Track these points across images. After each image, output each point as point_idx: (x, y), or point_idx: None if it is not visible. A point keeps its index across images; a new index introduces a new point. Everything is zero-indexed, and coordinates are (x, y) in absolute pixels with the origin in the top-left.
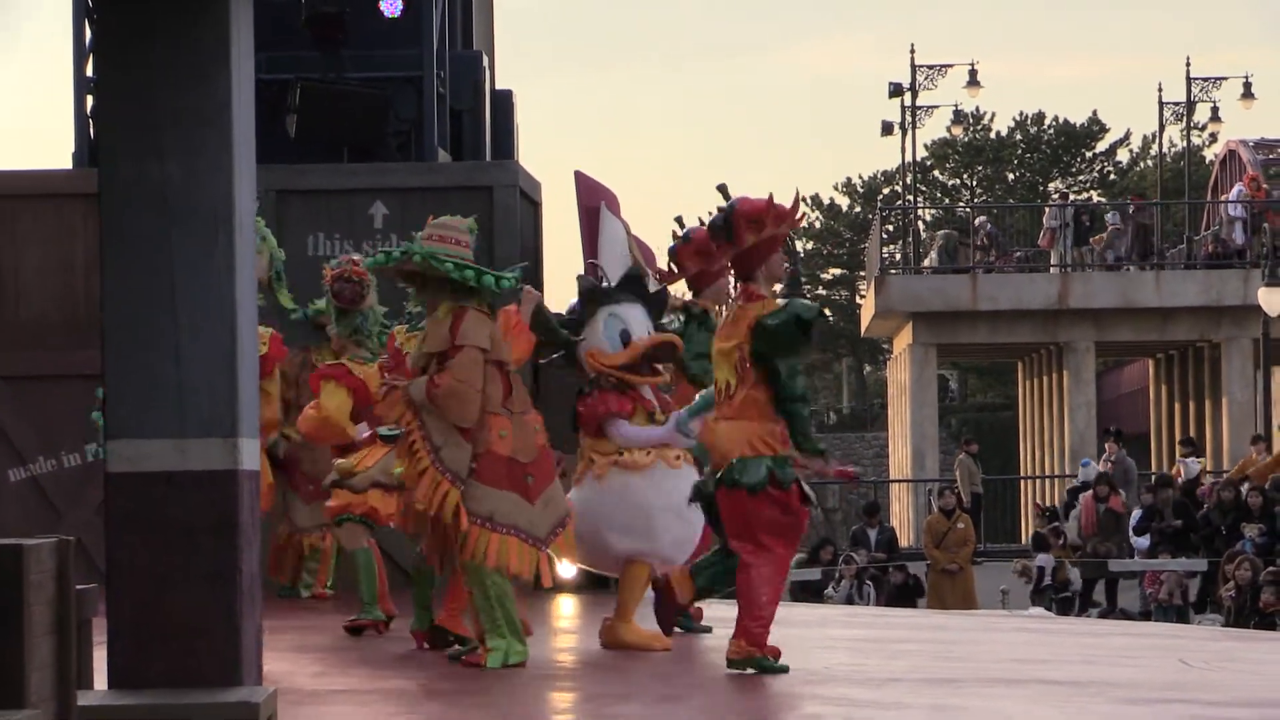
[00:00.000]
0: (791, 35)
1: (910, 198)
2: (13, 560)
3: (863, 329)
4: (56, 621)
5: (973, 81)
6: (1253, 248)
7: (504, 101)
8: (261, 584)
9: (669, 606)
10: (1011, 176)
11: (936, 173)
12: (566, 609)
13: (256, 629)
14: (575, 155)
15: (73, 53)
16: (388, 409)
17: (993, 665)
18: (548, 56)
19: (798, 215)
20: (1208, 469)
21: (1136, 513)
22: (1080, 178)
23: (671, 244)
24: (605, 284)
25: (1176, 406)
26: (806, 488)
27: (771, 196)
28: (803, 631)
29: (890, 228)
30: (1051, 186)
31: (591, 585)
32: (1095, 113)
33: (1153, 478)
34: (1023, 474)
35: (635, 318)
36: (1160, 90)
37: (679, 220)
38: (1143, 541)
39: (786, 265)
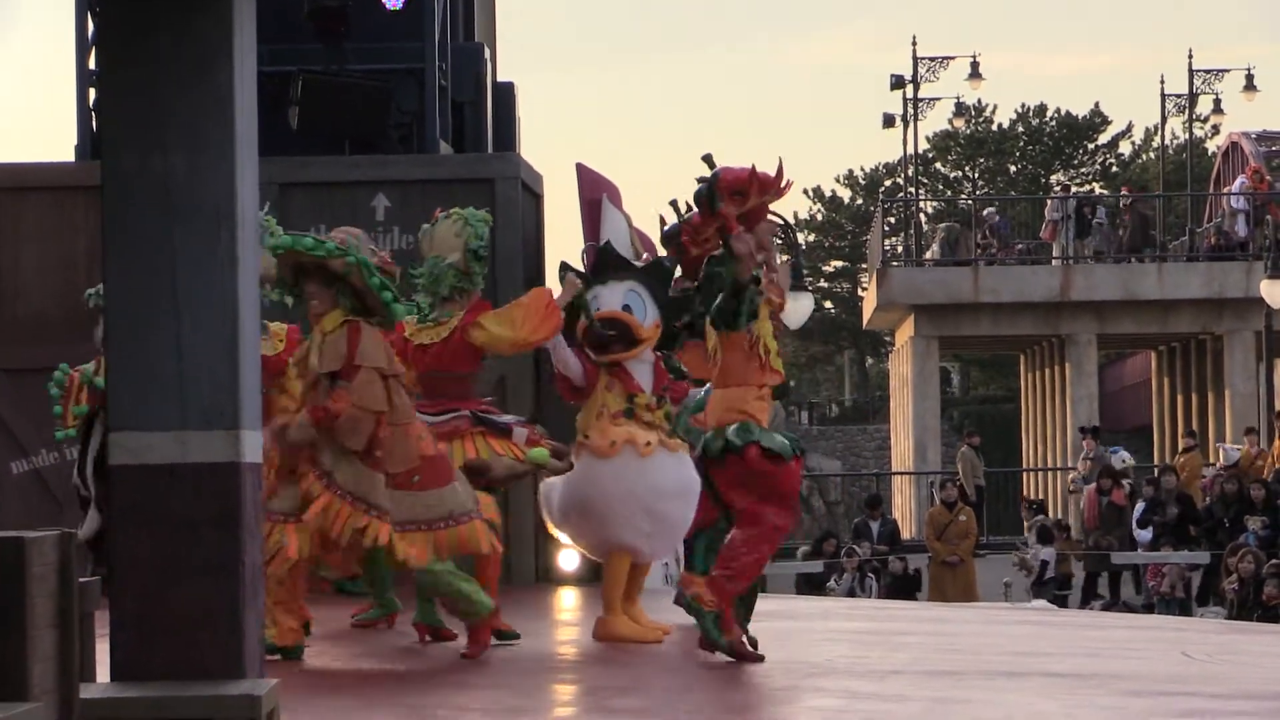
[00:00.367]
0: (793, 28)
1: (912, 190)
2: (15, 553)
3: (864, 321)
4: (59, 614)
5: (974, 74)
6: (1255, 240)
7: (506, 94)
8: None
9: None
10: (1013, 169)
11: (938, 165)
12: (568, 601)
13: (259, 621)
14: (577, 147)
15: (75, 45)
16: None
17: (995, 658)
18: (549, 49)
19: (783, 184)
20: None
21: (1140, 505)
22: (1082, 170)
23: (669, 227)
24: (582, 270)
25: (1179, 399)
26: (771, 445)
27: (754, 166)
28: (805, 624)
29: (892, 220)
30: (1053, 179)
31: (594, 577)
32: (1097, 105)
33: (1155, 470)
34: (1025, 467)
35: (613, 294)
36: (1162, 82)
37: (674, 204)
38: (1145, 534)
39: (781, 240)
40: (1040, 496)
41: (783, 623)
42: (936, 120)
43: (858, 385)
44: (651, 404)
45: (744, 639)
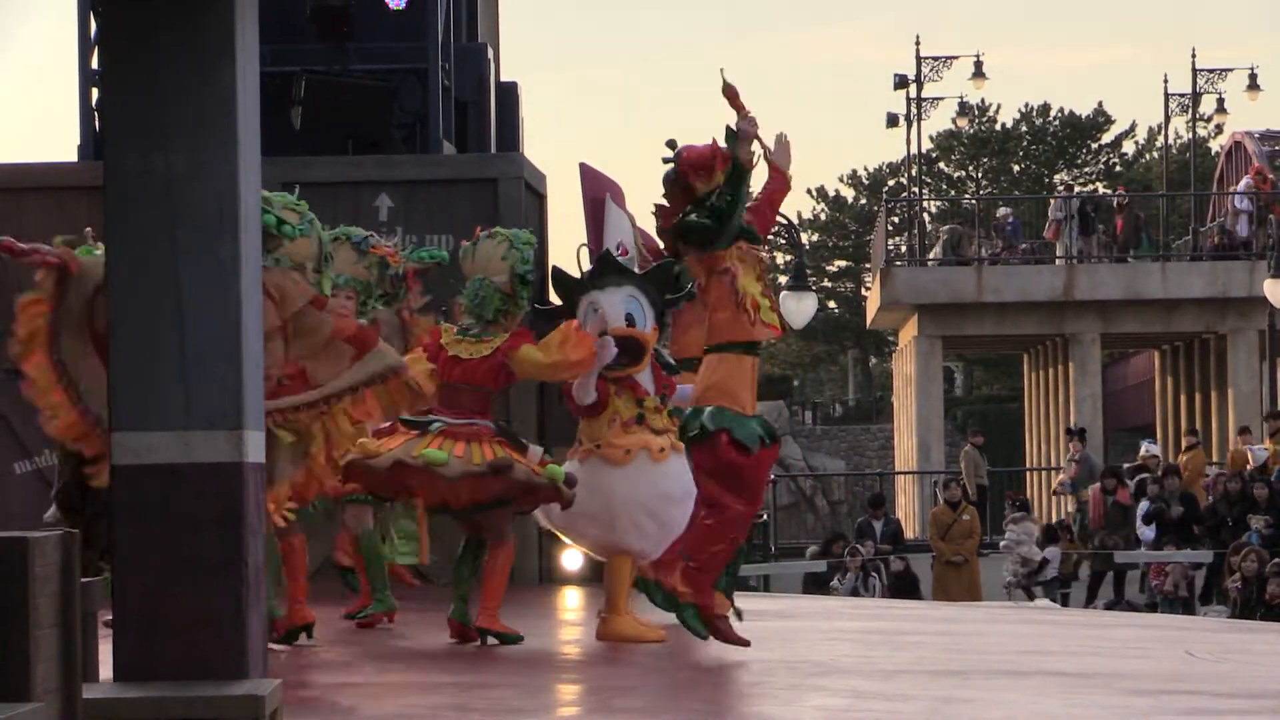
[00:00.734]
0: (796, 27)
1: (915, 190)
2: (18, 553)
3: (868, 321)
4: (61, 614)
5: (978, 73)
6: (1259, 239)
7: (509, 94)
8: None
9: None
10: (1017, 168)
11: (942, 165)
12: (572, 601)
13: (262, 621)
14: (580, 147)
15: (78, 45)
16: None
17: (999, 657)
18: (552, 49)
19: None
20: (1214, 460)
21: (1144, 504)
22: (1086, 169)
23: (666, 172)
24: (582, 272)
25: (1182, 398)
26: (742, 435)
27: (715, 142)
28: (809, 623)
29: (895, 220)
30: (1057, 178)
31: (597, 578)
32: (1101, 104)
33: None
34: (1028, 466)
35: (613, 303)
36: (1166, 82)
37: (671, 144)
38: (1149, 532)
39: (784, 240)
40: (1026, 495)
41: (787, 622)
42: (940, 120)
43: (861, 385)
44: (658, 405)
45: (732, 610)
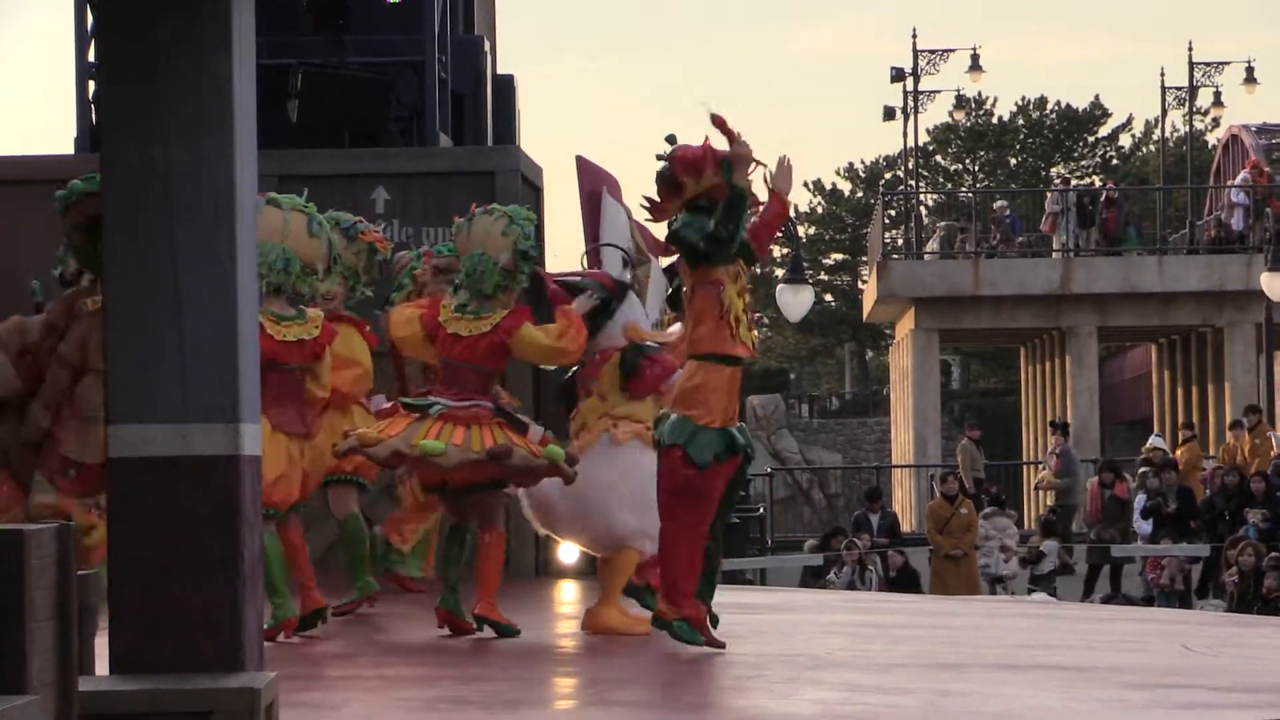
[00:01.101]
0: (793, 20)
1: (912, 183)
2: (14, 546)
3: (865, 314)
4: (58, 607)
5: (975, 66)
6: (1255, 233)
7: (505, 86)
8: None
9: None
10: (1014, 161)
11: (939, 158)
12: (568, 594)
13: (258, 615)
14: (577, 140)
15: (74, 38)
16: None
17: (995, 651)
18: (549, 41)
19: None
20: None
21: (1140, 498)
22: (1083, 162)
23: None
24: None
25: (1179, 391)
26: (697, 454)
27: (708, 141)
28: (805, 616)
29: (892, 213)
30: (1054, 171)
31: (593, 570)
32: (1097, 97)
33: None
34: (1025, 459)
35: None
36: (1162, 75)
37: (670, 139)
38: (1146, 526)
39: (781, 233)
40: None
41: (783, 615)
42: (937, 113)
43: (858, 378)
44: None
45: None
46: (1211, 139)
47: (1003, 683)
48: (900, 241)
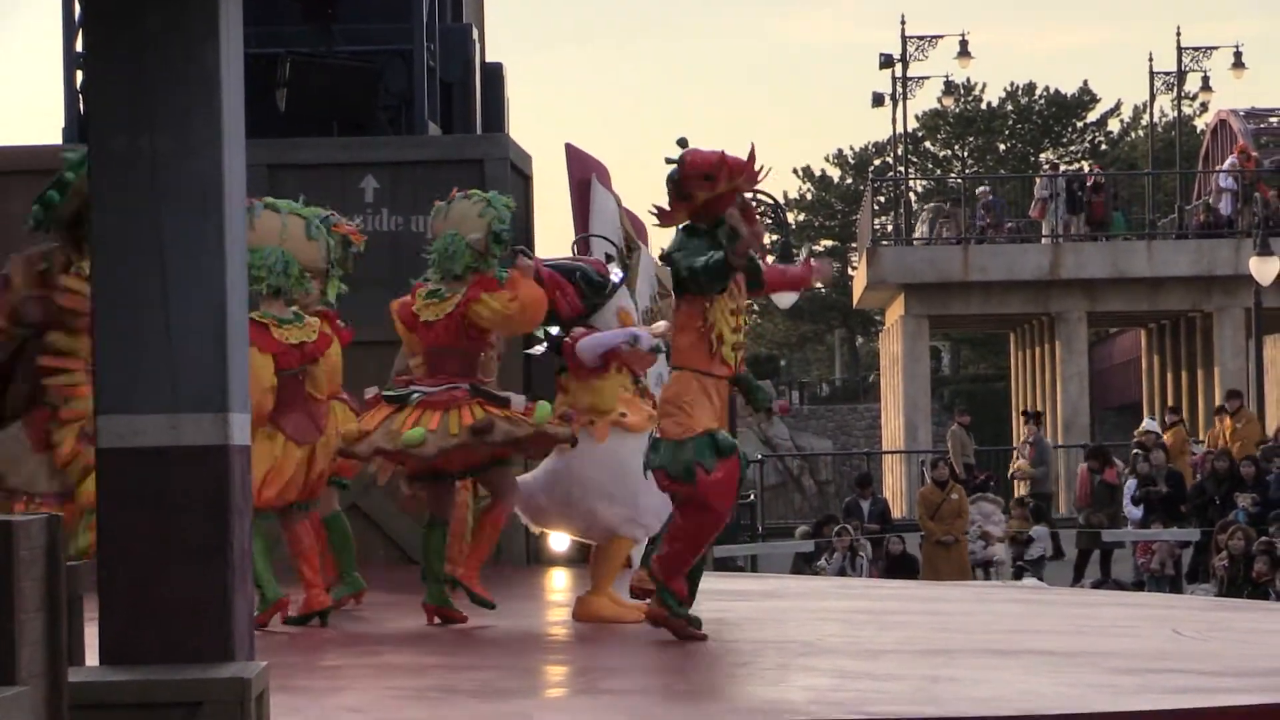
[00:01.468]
0: (782, 7)
1: (901, 169)
2: (2, 536)
3: (855, 301)
4: (47, 598)
5: (963, 52)
6: (1244, 217)
7: (494, 75)
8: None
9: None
10: (1003, 147)
11: (928, 144)
12: (559, 582)
13: (249, 604)
14: (566, 128)
15: (62, 27)
16: None
17: (986, 636)
18: (538, 29)
19: (756, 169)
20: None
21: (1131, 483)
22: (1071, 148)
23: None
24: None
25: (1168, 376)
26: (675, 471)
27: (724, 151)
28: (796, 603)
29: (881, 199)
30: (1043, 157)
31: (584, 558)
32: (1086, 83)
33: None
34: (1015, 445)
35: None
36: (1151, 60)
37: (681, 142)
38: (1136, 511)
39: (770, 219)
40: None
41: (774, 602)
42: (926, 99)
43: (848, 364)
44: (646, 387)
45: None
46: (1200, 124)
47: (993, 668)
48: (890, 228)
